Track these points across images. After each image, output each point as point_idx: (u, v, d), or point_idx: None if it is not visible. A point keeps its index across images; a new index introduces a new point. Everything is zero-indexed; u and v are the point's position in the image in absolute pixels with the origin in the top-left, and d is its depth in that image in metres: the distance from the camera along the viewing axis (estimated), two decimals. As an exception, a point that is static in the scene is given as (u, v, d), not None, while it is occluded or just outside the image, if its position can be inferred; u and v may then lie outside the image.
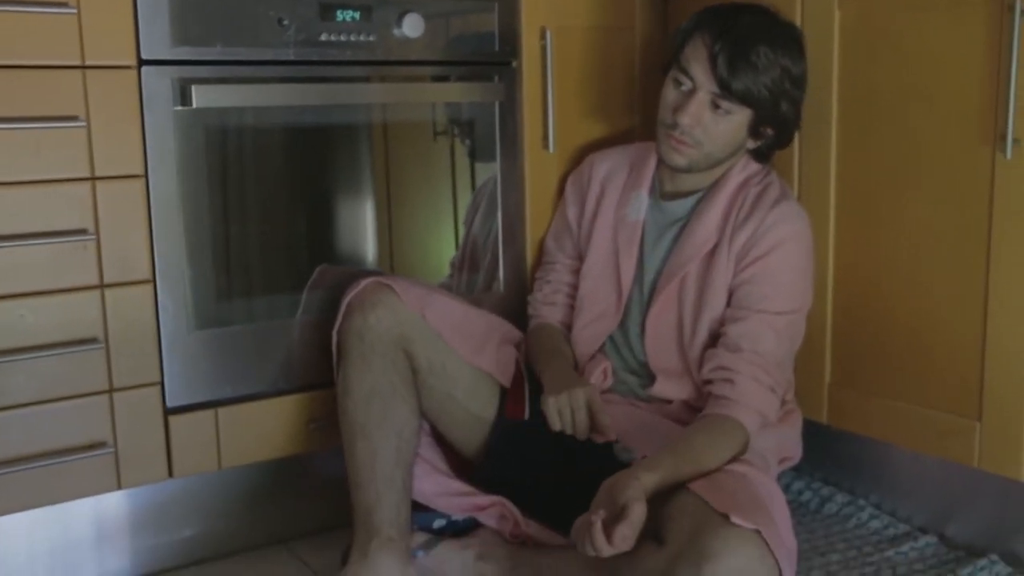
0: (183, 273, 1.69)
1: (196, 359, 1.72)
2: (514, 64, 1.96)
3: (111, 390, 1.65)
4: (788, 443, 1.81)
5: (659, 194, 1.84)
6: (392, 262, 1.91)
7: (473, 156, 1.97)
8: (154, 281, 1.67)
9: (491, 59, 1.94)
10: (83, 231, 1.60)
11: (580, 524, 1.44)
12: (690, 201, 1.80)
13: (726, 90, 1.66)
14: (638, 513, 1.41)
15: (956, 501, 1.86)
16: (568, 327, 1.90)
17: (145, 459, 1.70)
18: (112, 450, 1.66)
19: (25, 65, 1.54)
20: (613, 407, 1.78)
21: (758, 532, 1.39)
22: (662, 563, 1.45)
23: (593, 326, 1.85)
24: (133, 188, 1.64)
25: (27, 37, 1.53)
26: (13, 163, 1.55)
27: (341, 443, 1.70)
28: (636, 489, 1.44)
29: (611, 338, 1.85)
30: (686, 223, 1.79)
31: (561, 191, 2.00)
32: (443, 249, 1.97)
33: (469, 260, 1.99)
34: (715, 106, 1.69)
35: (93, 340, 1.63)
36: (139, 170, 1.64)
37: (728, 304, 1.72)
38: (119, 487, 1.68)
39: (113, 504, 1.77)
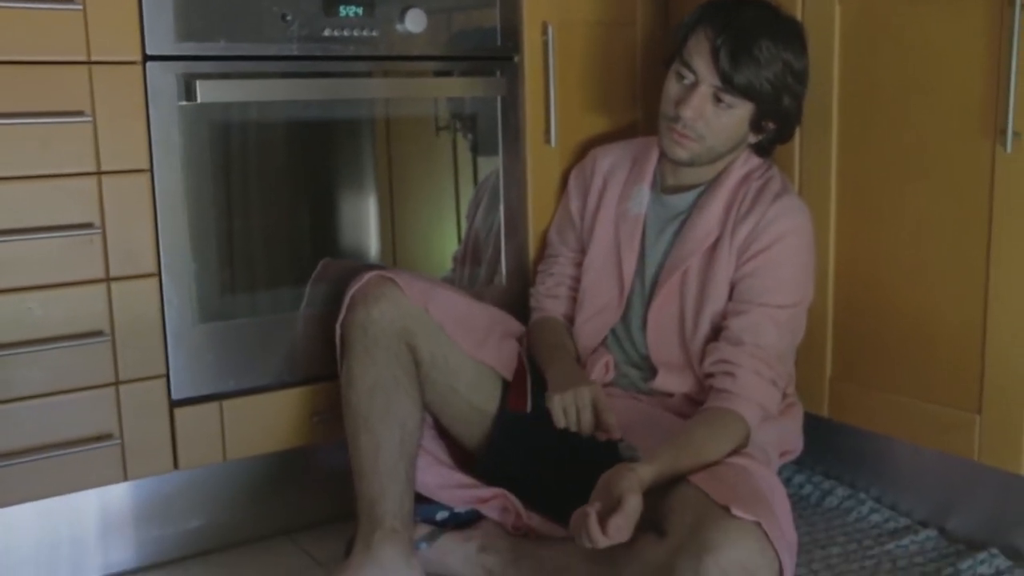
0: (188, 266, 1.70)
1: (201, 352, 1.73)
2: (516, 59, 1.96)
3: (117, 382, 1.67)
4: (789, 436, 1.82)
5: (661, 188, 1.85)
6: (395, 256, 1.92)
7: (475, 151, 1.97)
8: (159, 274, 1.68)
9: (493, 54, 1.94)
10: (89, 225, 1.61)
11: (577, 516, 1.45)
12: (692, 195, 1.81)
13: (728, 84, 1.67)
14: (632, 504, 1.42)
15: (956, 495, 1.87)
16: (571, 320, 1.91)
17: (151, 451, 1.71)
18: (118, 442, 1.67)
19: (32, 61, 1.55)
20: (615, 400, 1.79)
21: (758, 524, 1.40)
22: (663, 555, 1.46)
23: (595, 320, 1.86)
24: (138, 182, 1.65)
25: (34, 33, 1.54)
26: (20, 158, 1.56)
27: (345, 435, 1.72)
28: (631, 481, 1.46)
29: (613, 331, 1.86)
30: (687, 217, 1.80)
31: (563, 185, 2.01)
32: (445, 243, 1.98)
33: (471, 254, 1.99)
34: (717, 100, 1.70)
35: (99, 333, 1.64)
36: (144, 164, 1.65)
37: (730, 298, 1.73)
38: (125, 479, 1.70)
39: (118, 495, 1.79)
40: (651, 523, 1.50)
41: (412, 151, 1.91)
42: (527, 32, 1.95)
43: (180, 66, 1.66)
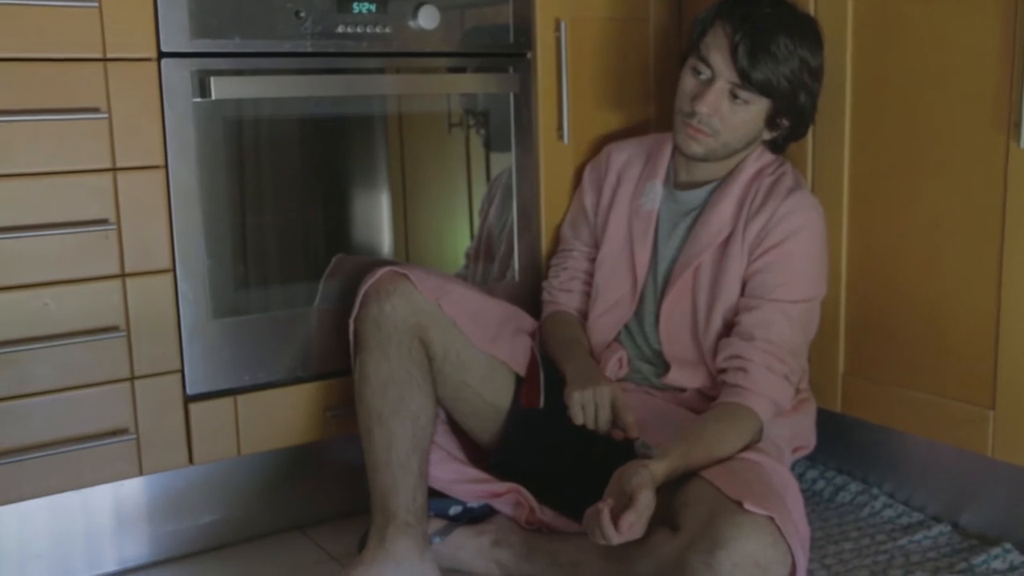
0: (203, 262, 1.71)
1: (215, 347, 1.74)
2: (529, 55, 1.97)
3: (132, 378, 1.68)
4: (802, 432, 1.82)
5: (674, 184, 1.85)
6: (408, 252, 1.93)
7: (488, 147, 1.98)
8: (174, 270, 1.69)
9: (506, 50, 1.95)
10: (104, 221, 1.62)
11: (590, 513, 1.46)
12: (704, 191, 1.81)
13: (746, 80, 1.67)
14: (645, 501, 1.43)
15: (970, 490, 1.86)
16: (584, 315, 1.91)
17: (166, 446, 1.72)
18: (133, 437, 1.68)
19: (48, 58, 1.56)
20: (628, 395, 1.79)
21: (771, 519, 1.41)
22: (676, 550, 1.47)
23: (608, 315, 1.87)
24: (153, 179, 1.66)
25: (50, 31, 1.55)
26: (36, 154, 1.57)
27: (358, 430, 1.72)
28: (644, 477, 1.46)
29: (626, 327, 1.86)
30: (700, 213, 1.80)
31: (576, 182, 2.01)
32: (458, 239, 1.99)
33: (484, 250, 2.00)
34: (733, 96, 1.70)
35: (115, 328, 1.65)
36: (159, 161, 1.66)
37: (742, 293, 1.73)
38: (140, 473, 1.71)
39: (133, 490, 1.80)
40: (664, 518, 1.50)
41: (425, 147, 1.92)
42: (540, 28, 1.95)
43: (195, 63, 1.66)
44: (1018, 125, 1.61)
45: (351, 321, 1.75)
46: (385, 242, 1.91)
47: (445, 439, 1.82)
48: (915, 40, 1.76)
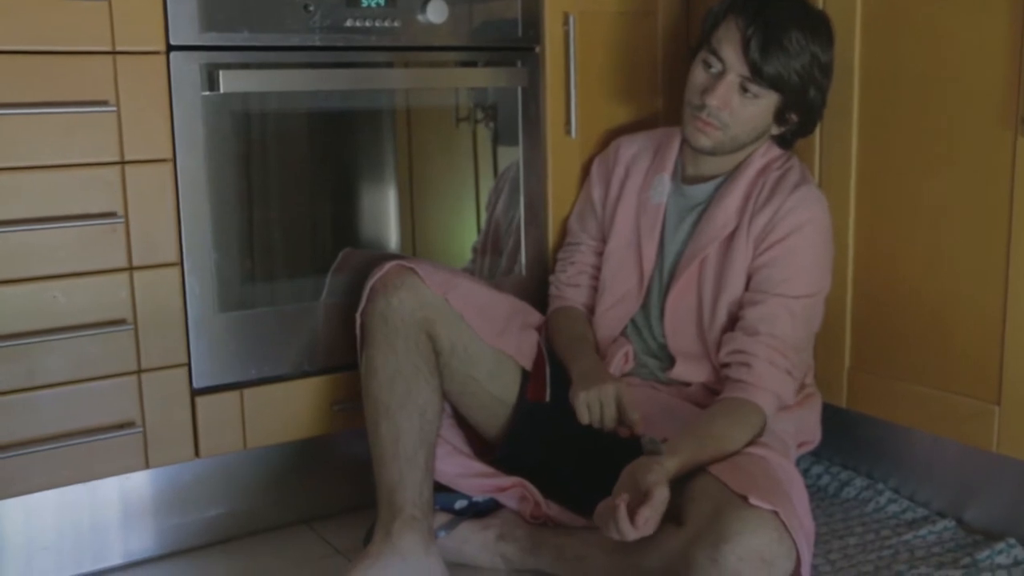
0: (210, 256, 1.71)
1: (222, 341, 1.74)
2: (537, 49, 1.97)
3: (139, 371, 1.68)
4: (807, 427, 1.82)
5: (682, 178, 1.85)
6: (415, 246, 1.93)
7: (496, 141, 1.98)
8: (181, 264, 1.69)
9: (514, 44, 1.94)
10: (112, 214, 1.62)
11: (603, 508, 1.46)
12: (711, 185, 1.81)
13: (757, 73, 1.67)
14: (661, 497, 1.43)
15: (974, 485, 1.87)
16: (591, 309, 1.92)
17: (172, 439, 1.72)
18: (140, 430, 1.69)
19: (57, 51, 1.56)
20: (634, 390, 1.80)
21: (776, 513, 1.41)
22: (681, 544, 1.48)
23: (615, 309, 1.87)
24: (161, 172, 1.66)
25: (59, 23, 1.55)
26: (44, 147, 1.57)
27: (364, 424, 1.73)
28: (658, 473, 1.46)
29: (632, 321, 1.86)
30: (706, 207, 1.80)
31: (583, 176, 2.01)
32: (465, 233, 1.99)
33: (491, 244, 2.00)
34: (744, 89, 1.70)
35: (122, 321, 1.65)
36: (167, 154, 1.66)
37: (746, 287, 1.73)
38: (147, 466, 1.71)
39: (140, 483, 1.80)
40: (669, 513, 1.50)
41: (433, 141, 1.92)
42: (548, 22, 1.95)
43: (203, 56, 1.66)
44: (1025, 121, 1.61)
45: (358, 315, 1.75)
46: (392, 236, 1.91)
47: (451, 433, 1.83)
48: (923, 35, 1.76)
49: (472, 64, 1.93)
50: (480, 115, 1.96)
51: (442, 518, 1.76)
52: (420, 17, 1.83)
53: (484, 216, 1.99)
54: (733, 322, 1.74)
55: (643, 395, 1.79)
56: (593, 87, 2.03)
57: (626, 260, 1.86)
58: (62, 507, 1.74)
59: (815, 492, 2.01)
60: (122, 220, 1.63)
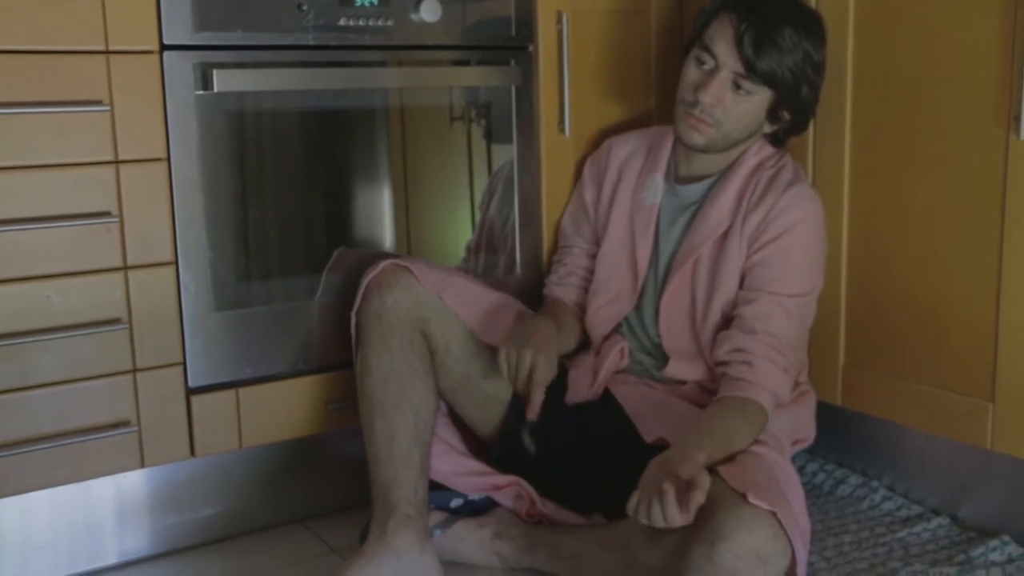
0: (205, 255, 1.71)
1: (217, 340, 1.74)
2: (530, 48, 1.97)
3: (134, 370, 1.68)
4: (802, 424, 1.82)
5: (675, 178, 1.85)
6: (409, 245, 1.93)
7: (489, 140, 1.98)
8: (176, 263, 1.69)
9: (508, 43, 1.95)
10: (107, 213, 1.62)
11: (644, 496, 1.42)
12: (704, 185, 1.81)
13: (750, 70, 1.67)
14: (707, 483, 1.41)
15: (969, 482, 1.87)
16: (581, 308, 1.92)
17: (168, 438, 1.72)
18: (135, 429, 1.69)
19: (50, 50, 1.56)
20: (628, 387, 1.80)
21: (773, 512, 1.41)
22: (677, 541, 1.48)
23: (608, 308, 1.87)
24: (155, 171, 1.66)
25: (52, 22, 1.55)
26: (38, 147, 1.57)
27: (359, 423, 1.73)
28: (696, 463, 1.45)
29: (626, 320, 1.87)
30: (699, 207, 1.80)
31: (577, 174, 2.01)
32: (459, 233, 1.99)
33: (486, 243, 2.00)
34: (736, 86, 1.70)
35: (117, 321, 1.65)
36: (161, 153, 1.66)
37: (740, 286, 1.74)
38: (142, 465, 1.71)
39: (135, 482, 1.80)
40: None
41: (427, 141, 1.92)
42: (542, 21, 1.95)
43: (197, 56, 1.66)
44: (1018, 118, 1.61)
45: (353, 314, 1.75)
46: (387, 235, 1.91)
47: (446, 432, 1.83)
48: (916, 34, 1.76)
49: (466, 63, 1.93)
50: (474, 114, 1.96)
51: (437, 517, 1.76)
52: (413, 16, 1.83)
53: (478, 215, 1.99)
54: (727, 321, 1.74)
55: (638, 392, 1.79)
56: (587, 85, 2.03)
57: (620, 261, 1.87)
58: (57, 507, 1.74)
59: (810, 490, 2.01)
60: (116, 219, 1.63)
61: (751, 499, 1.40)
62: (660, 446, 1.61)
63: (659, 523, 1.40)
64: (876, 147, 1.85)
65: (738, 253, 1.73)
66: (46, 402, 1.62)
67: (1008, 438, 1.70)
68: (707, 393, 1.75)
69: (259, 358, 1.79)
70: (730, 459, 1.53)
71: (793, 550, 1.43)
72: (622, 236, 1.87)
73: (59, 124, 1.58)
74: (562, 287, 1.94)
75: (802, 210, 1.73)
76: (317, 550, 1.85)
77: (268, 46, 1.72)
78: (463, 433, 1.86)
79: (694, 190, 1.82)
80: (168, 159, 1.67)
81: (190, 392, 1.74)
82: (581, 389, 1.82)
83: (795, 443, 1.81)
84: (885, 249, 1.85)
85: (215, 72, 1.66)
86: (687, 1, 2.11)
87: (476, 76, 1.94)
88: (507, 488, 1.78)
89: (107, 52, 1.59)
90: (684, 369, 1.80)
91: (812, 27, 1.72)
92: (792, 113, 1.76)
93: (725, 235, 1.75)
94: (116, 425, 1.67)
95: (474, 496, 1.79)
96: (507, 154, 1.98)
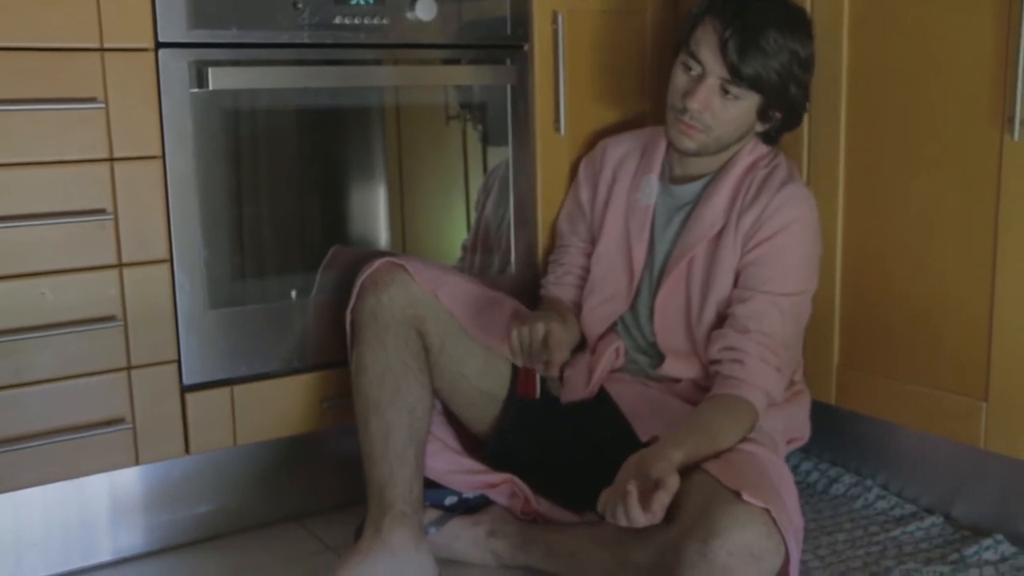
0: (199, 253, 1.71)
1: (212, 337, 1.74)
2: (526, 47, 1.97)
3: (129, 367, 1.68)
4: (796, 424, 1.83)
5: (669, 178, 1.85)
6: (404, 244, 1.93)
7: (485, 139, 1.98)
8: (171, 260, 1.69)
9: (503, 42, 1.95)
10: (102, 211, 1.62)
11: (610, 495, 1.45)
12: (699, 185, 1.81)
13: (736, 76, 1.67)
14: (674, 483, 1.42)
15: (962, 482, 1.87)
16: (579, 307, 1.92)
17: (162, 435, 1.72)
18: (130, 426, 1.69)
19: (45, 48, 1.56)
20: (624, 386, 1.80)
21: (766, 510, 1.41)
22: (671, 538, 1.48)
23: (604, 307, 1.87)
24: (151, 169, 1.66)
25: (47, 20, 1.55)
26: (34, 144, 1.57)
27: (354, 421, 1.73)
28: (668, 462, 1.46)
29: (622, 319, 1.87)
30: (694, 207, 1.81)
31: (572, 174, 2.01)
32: (455, 231, 1.99)
33: (481, 242, 2.00)
34: (724, 91, 1.70)
35: (112, 318, 1.65)
36: (156, 151, 1.66)
37: (735, 285, 1.74)
38: (136, 463, 1.71)
39: (129, 480, 1.80)
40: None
41: (422, 139, 1.92)
42: (537, 20, 1.96)
43: (192, 53, 1.66)
44: (1012, 120, 1.61)
45: (348, 312, 1.75)
46: (382, 233, 1.91)
47: (441, 430, 1.83)
48: (910, 34, 1.77)
49: (460, 62, 1.93)
50: (469, 113, 1.96)
51: (432, 514, 1.76)
52: (409, 15, 1.83)
53: (474, 214, 1.99)
54: (721, 320, 1.74)
55: (633, 391, 1.80)
56: (582, 85, 2.03)
57: (616, 261, 1.87)
58: (51, 504, 1.74)
59: (804, 488, 2.01)
60: (111, 217, 1.63)
61: (745, 497, 1.41)
62: (655, 445, 1.61)
63: (623, 523, 1.42)
64: (871, 148, 1.85)
65: (732, 252, 1.73)
66: (40, 399, 1.62)
67: (1001, 438, 1.70)
68: (702, 391, 1.75)
69: (254, 356, 1.79)
70: (720, 457, 1.54)
71: (787, 548, 1.43)
72: (617, 236, 1.87)
73: (54, 121, 1.57)
74: (560, 287, 1.94)
75: (796, 209, 1.73)
76: (312, 548, 1.85)
77: (263, 44, 1.72)
78: (458, 431, 1.86)
79: (688, 190, 1.82)
80: (163, 157, 1.67)
81: (185, 390, 1.74)
82: (577, 388, 1.83)
83: (789, 442, 1.81)
84: (879, 249, 1.85)
85: (210, 70, 1.66)
86: (682, 1, 2.11)
87: (471, 75, 1.94)
88: (501, 486, 1.78)
89: (102, 50, 1.59)
90: (679, 368, 1.80)
91: (797, 26, 1.71)
92: (783, 112, 1.76)
93: (719, 234, 1.76)
94: (110, 422, 1.67)
95: (469, 494, 1.80)
96: (502, 153, 1.99)
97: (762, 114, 1.75)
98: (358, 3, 1.78)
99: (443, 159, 1.96)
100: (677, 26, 2.10)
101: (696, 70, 1.71)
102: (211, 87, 1.66)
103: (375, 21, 1.81)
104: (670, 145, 1.81)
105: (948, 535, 1.83)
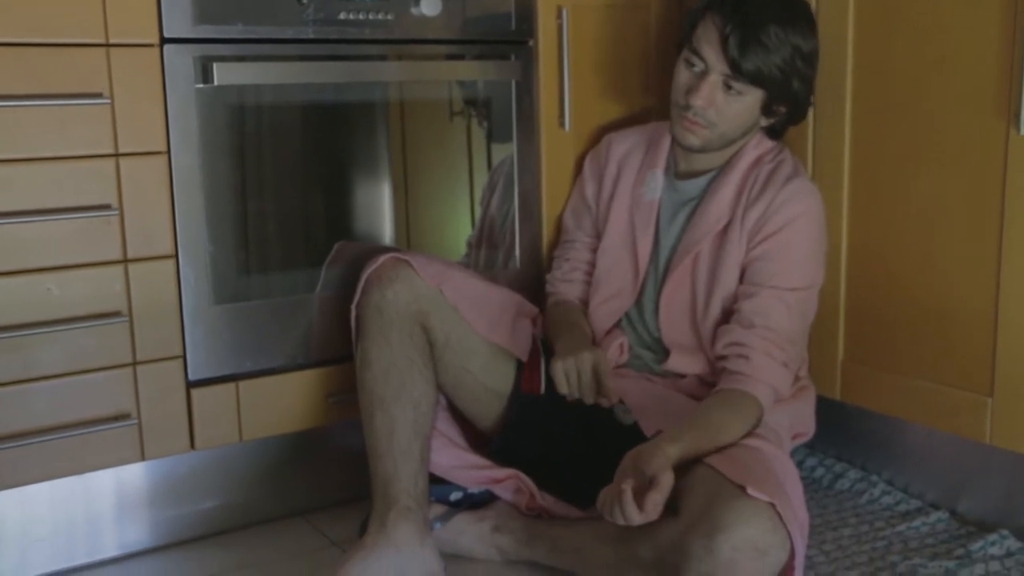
0: (205, 248, 1.71)
1: (218, 333, 1.74)
2: (531, 43, 1.97)
3: (135, 363, 1.68)
4: (801, 419, 1.82)
5: (674, 173, 1.85)
6: (409, 239, 1.93)
7: (489, 135, 1.98)
8: (176, 256, 1.69)
9: (508, 38, 1.95)
10: (107, 206, 1.63)
11: (607, 494, 1.46)
12: (704, 180, 1.81)
13: (737, 72, 1.67)
14: (667, 481, 1.43)
15: (968, 477, 1.87)
16: (586, 304, 1.92)
17: (168, 431, 1.72)
18: (135, 422, 1.69)
19: (50, 43, 1.56)
20: (628, 381, 1.80)
21: (771, 504, 1.41)
22: (676, 533, 1.48)
23: (609, 303, 1.87)
24: (156, 164, 1.66)
25: (53, 15, 1.55)
26: (39, 139, 1.57)
27: (359, 416, 1.73)
28: (662, 459, 1.47)
29: (627, 315, 1.87)
30: (699, 202, 1.81)
31: (577, 169, 2.01)
32: (460, 227, 1.99)
33: (486, 238, 2.00)
34: (727, 87, 1.70)
35: (117, 314, 1.65)
36: (162, 147, 1.66)
37: (740, 280, 1.74)
38: (142, 458, 1.71)
39: (135, 475, 1.80)
40: (666, 502, 1.51)
41: (426, 135, 1.92)
42: (542, 16, 1.96)
43: (197, 49, 1.67)
44: (1018, 114, 1.61)
45: (353, 307, 1.75)
46: (387, 229, 1.91)
47: (446, 425, 1.83)
48: (916, 28, 1.76)
49: (465, 57, 1.93)
50: (474, 109, 1.96)
51: (437, 510, 1.77)
52: (414, 10, 1.83)
53: (478, 210, 1.99)
54: (727, 315, 1.74)
55: (637, 386, 1.80)
56: (587, 80, 2.03)
57: (621, 256, 1.87)
58: (57, 499, 1.74)
59: (809, 484, 2.01)
60: (117, 212, 1.63)
61: (750, 491, 1.41)
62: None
63: (620, 522, 1.43)
64: (876, 143, 1.85)
65: (738, 248, 1.73)
66: (46, 394, 1.62)
67: (1007, 433, 1.70)
68: (707, 387, 1.75)
69: (259, 351, 1.79)
70: (724, 452, 1.54)
71: (792, 543, 1.43)
72: (622, 231, 1.87)
73: (59, 117, 1.58)
74: (567, 283, 1.94)
75: (802, 204, 1.73)
76: (317, 543, 1.85)
77: (268, 39, 1.72)
78: (462, 427, 1.86)
79: (694, 185, 1.82)
80: (168, 152, 1.67)
81: (190, 385, 1.74)
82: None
83: (795, 437, 1.81)
84: (884, 244, 1.85)
85: (215, 65, 1.66)
86: (686, -4, 2.12)
87: (476, 70, 1.94)
88: (506, 481, 1.78)
89: (107, 45, 1.60)
90: (684, 363, 1.80)
91: (799, 19, 1.71)
92: (787, 107, 1.75)
93: (725, 230, 1.75)
94: (116, 418, 1.68)
95: (473, 489, 1.80)
96: (507, 149, 1.98)
97: (766, 109, 1.75)
98: (363, -2, 1.78)
99: (447, 155, 1.96)
100: (681, 21, 2.10)
101: (699, 66, 1.71)
102: (216, 83, 1.67)
103: (380, 17, 1.81)
104: (675, 141, 1.81)
105: (953, 530, 1.83)
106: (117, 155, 1.63)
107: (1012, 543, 1.75)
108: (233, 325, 1.76)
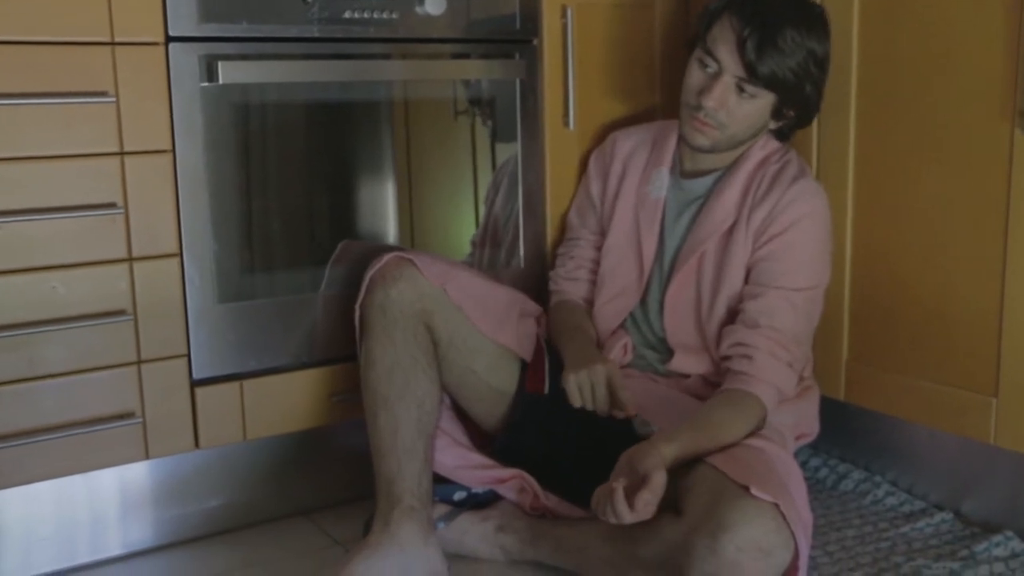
0: (209, 247, 1.71)
1: (222, 332, 1.74)
2: (535, 42, 1.97)
3: (139, 361, 1.68)
4: (805, 419, 1.82)
5: (680, 172, 1.85)
6: (413, 239, 1.93)
7: (494, 134, 1.98)
8: (181, 254, 1.69)
9: (512, 37, 1.95)
10: (112, 205, 1.63)
11: (601, 493, 1.47)
12: (710, 179, 1.81)
13: (752, 75, 1.67)
14: (659, 481, 1.44)
15: (972, 478, 1.87)
16: (590, 303, 1.92)
17: (172, 430, 1.72)
18: (140, 420, 1.69)
19: (56, 41, 1.56)
20: (632, 381, 1.80)
21: (775, 504, 1.41)
22: (680, 533, 1.48)
23: (615, 302, 1.87)
24: (161, 163, 1.66)
25: (58, 14, 1.55)
26: (44, 138, 1.57)
27: (363, 416, 1.73)
28: (656, 458, 1.47)
29: (631, 314, 1.87)
30: (705, 201, 1.80)
31: (582, 169, 2.01)
32: (464, 226, 1.99)
33: (490, 237, 2.00)
34: (740, 90, 1.70)
35: (122, 312, 1.65)
36: (166, 145, 1.66)
37: (746, 281, 1.74)
38: (146, 457, 1.71)
39: (139, 474, 1.80)
40: (669, 502, 1.51)
41: (431, 134, 1.92)
42: (546, 15, 1.95)
43: (202, 47, 1.67)
44: (1023, 113, 1.61)
45: (357, 306, 1.75)
46: (391, 228, 1.91)
47: (450, 425, 1.83)
48: (921, 28, 1.76)
49: (470, 56, 1.93)
50: (478, 108, 1.96)
51: (441, 509, 1.76)
52: (418, 9, 1.83)
53: (483, 209, 1.99)
54: (732, 315, 1.74)
55: (641, 387, 1.79)
56: (591, 79, 2.03)
57: (626, 255, 1.87)
58: (61, 497, 1.74)
59: (813, 484, 2.01)
60: (122, 211, 1.63)
61: (754, 491, 1.41)
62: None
63: (612, 520, 1.44)
64: (880, 142, 1.84)
65: (744, 248, 1.73)
66: (51, 393, 1.62)
67: (1012, 433, 1.70)
68: (711, 387, 1.75)
69: (263, 350, 1.79)
70: (728, 452, 1.54)
71: (796, 543, 1.43)
72: (627, 230, 1.87)
73: (64, 115, 1.58)
74: (571, 281, 1.94)
75: (808, 204, 1.73)
76: (321, 542, 1.85)
77: (273, 38, 1.72)
78: (466, 426, 1.86)
79: (699, 184, 1.82)
80: (173, 151, 1.67)
81: (194, 384, 1.74)
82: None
83: (799, 438, 1.81)
84: (889, 244, 1.85)
85: (220, 64, 1.66)
86: (692, -5, 2.11)
87: (480, 69, 1.94)
88: (510, 481, 1.78)
89: (112, 43, 1.60)
90: (689, 363, 1.80)
91: (814, 24, 1.71)
92: (797, 110, 1.76)
93: (731, 230, 1.75)
94: (120, 416, 1.68)
95: (478, 489, 1.80)
96: (511, 149, 1.98)
97: (776, 112, 1.75)
98: (367, -3, 1.79)
99: (452, 154, 1.96)
100: (687, 20, 2.10)
101: (712, 67, 1.71)
102: (221, 81, 1.67)
103: (384, 15, 1.81)
104: (682, 140, 1.81)
105: (958, 531, 1.83)
106: (122, 154, 1.63)
107: (1016, 544, 1.75)
108: (237, 324, 1.76)
